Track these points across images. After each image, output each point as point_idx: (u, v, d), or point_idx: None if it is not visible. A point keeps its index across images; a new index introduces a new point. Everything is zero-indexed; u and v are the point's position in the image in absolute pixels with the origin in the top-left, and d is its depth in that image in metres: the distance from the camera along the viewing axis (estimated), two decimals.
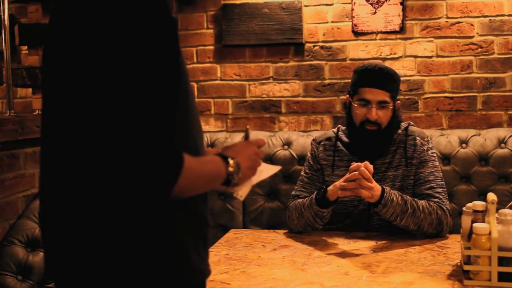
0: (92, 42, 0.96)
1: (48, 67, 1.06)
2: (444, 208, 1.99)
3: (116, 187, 0.96)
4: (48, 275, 1.11)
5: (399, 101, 2.14)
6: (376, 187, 1.90)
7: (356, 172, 1.88)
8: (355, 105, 2.07)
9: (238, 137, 2.70)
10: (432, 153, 2.11)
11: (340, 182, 1.94)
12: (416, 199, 1.99)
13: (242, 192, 1.23)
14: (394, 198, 1.92)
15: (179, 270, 1.06)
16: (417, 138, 2.11)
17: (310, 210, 2.02)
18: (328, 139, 2.20)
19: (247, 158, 1.19)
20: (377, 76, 2.05)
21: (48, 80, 1.06)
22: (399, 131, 2.13)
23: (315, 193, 2.02)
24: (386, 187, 1.95)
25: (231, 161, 1.13)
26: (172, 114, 0.97)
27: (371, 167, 1.90)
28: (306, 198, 2.07)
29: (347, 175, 1.91)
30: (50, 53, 1.06)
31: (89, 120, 0.96)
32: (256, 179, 1.27)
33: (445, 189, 2.06)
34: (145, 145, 0.93)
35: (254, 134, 2.72)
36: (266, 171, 1.33)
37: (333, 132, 2.22)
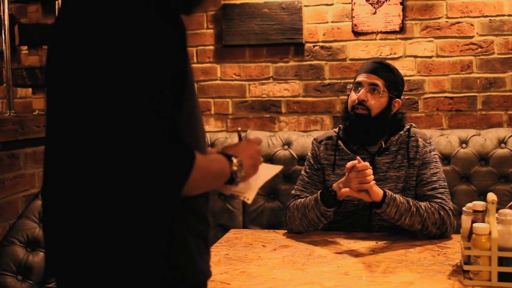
0: (97, 44, 0.97)
1: (52, 69, 1.07)
2: (447, 208, 1.98)
3: (126, 186, 0.96)
4: (49, 273, 1.12)
5: (399, 100, 2.14)
6: (376, 188, 1.91)
7: (355, 169, 1.90)
8: (350, 92, 2.16)
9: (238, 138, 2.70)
10: (434, 154, 2.11)
11: (342, 181, 1.95)
12: (417, 201, 1.99)
13: (249, 195, 1.26)
14: (397, 197, 1.93)
15: (181, 271, 1.06)
16: (419, 139, 2.11)
17: (315, 210, 2.01)
18: (329, 138, 2.21)
19: (248, 157, 1.20)
20: (372, 64, 2.17)
21: (52, 81, 1.07)
22: (401, 132, 2.13)
23: (319, 194, 2.02)
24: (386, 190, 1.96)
25: (234, 160, 1.14)
26: (178, 112, 0.99)
27: (367, 166, 1.90)
28: (308, 198, 2.06)
29: (346, 176, 1.93)
30: (54, 54, 1.06)
31: (96, 121, 0.97)
32: (262, 180, 1.28)
33: (448, 190, 2.05)
34: (155, 141, 0.94)
35: (254, 134, 2.72)
36: (270, 171, 1.35)
37: (334, 131, 2.22)
